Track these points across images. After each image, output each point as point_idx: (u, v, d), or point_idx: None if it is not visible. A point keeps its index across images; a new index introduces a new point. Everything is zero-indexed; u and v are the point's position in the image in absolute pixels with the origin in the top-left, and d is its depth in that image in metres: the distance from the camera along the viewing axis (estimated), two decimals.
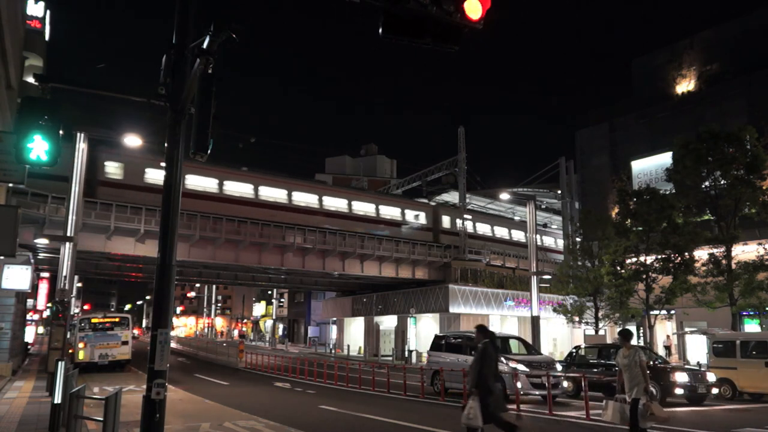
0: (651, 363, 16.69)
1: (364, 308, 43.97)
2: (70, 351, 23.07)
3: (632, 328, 32.17)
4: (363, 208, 38.19)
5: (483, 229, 44.95)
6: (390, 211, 39.59)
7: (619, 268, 25.01)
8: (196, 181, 30.61)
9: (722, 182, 23.15)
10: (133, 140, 16.58)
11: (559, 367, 16.92)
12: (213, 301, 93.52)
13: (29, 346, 38.27)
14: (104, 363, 24.56)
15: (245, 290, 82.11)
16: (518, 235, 47.06)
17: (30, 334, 42.66)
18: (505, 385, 10.11)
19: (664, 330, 31.41)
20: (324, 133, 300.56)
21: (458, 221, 42.02)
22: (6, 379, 19.89)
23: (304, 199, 35.32)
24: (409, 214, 40.43)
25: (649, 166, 34.75)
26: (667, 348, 29.69)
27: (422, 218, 40.88)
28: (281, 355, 31.12)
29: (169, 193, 6.67)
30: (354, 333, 46.99)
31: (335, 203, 36.78)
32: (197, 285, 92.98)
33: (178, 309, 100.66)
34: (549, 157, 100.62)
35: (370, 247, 34.80)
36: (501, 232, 46.91)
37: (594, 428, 11.53)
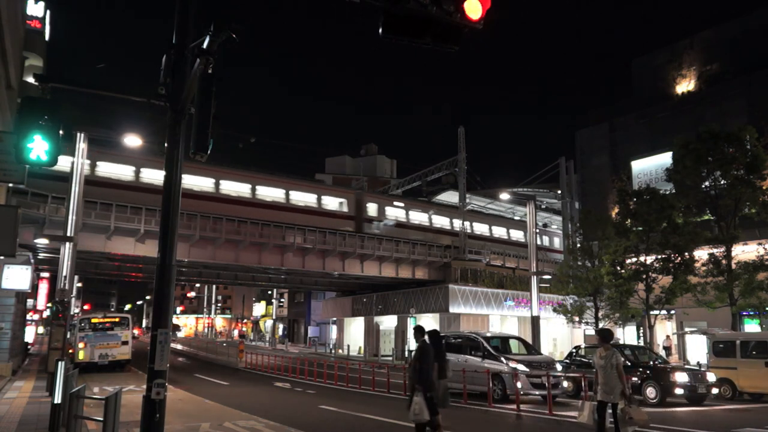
0: (651, 363, 16.73)
1: (364, 308, 43.96)
2: (70, 351, 23.08)
3: (632, 328, 32.19)
4: (269, 193, 34.49)
5: (481, 229, 44.84)
6: (303, 198, 35.86)
7: (619, 268, 24.98)
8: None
9: (722, 182, 23.13)
10: (133, 140, 16.59)
11: (559, 367, 16.92)
12: (213, 301, 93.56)
13: (29, 346, 38.27)
14: (104, 363, 24.56)
15: (245, 290, 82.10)
16: (516, 235, 47.04)
17: (30, 334, 42.67)
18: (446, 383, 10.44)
19: (664, 330, 31.40)
20: (324, 133, 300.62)
21: (387, 209, 39.62)
22: (6, 379, 19.89)
23: (198, 182, 31.73)
24: (330, 202, 37.12)
25: (649, 166, 34.75)
26: (667, 348, 29.65)
27: (344, 206, 37.79)
28: (281, 355, 31.11)
29: (169, 193, 6.68)
30: (354, 333, 46.98)
31: (236, 188, 32.96)
32: (197, 285, 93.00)
33: (178, 309, 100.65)
34: (549, 157, 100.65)
35: (370, 247, 34.79)
36: (499, 231, 46.88)
37: (594, 428, 11.51)
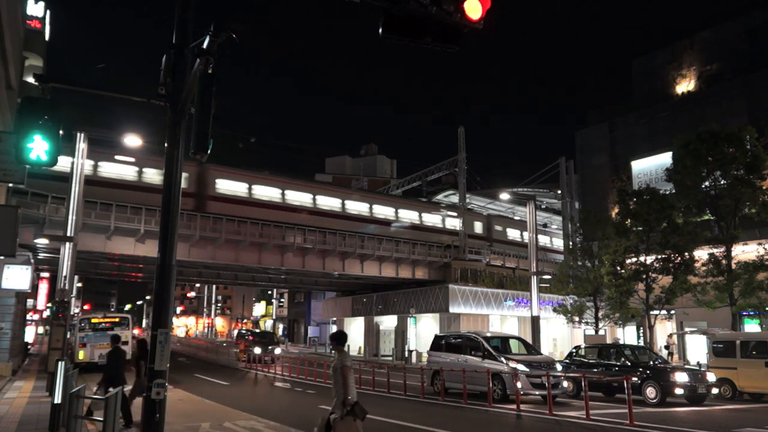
0: (651, 363, 16.71)
1: (364, 308, 43.95)
2: (70, 351, 23.05)
3: (632, 328, 32.13)
4: (409, 216, 38.39)
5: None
6: (432, 219, 40.02)
7: (619, 268, 24.98)
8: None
9: (722, 182, 23.12)
10: (132, 140, 16.59)
11: (559, 367, 16.91)
12: (213, 301, 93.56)
13: (29, 346, 38.24)
14: (104, 363, 24.51)
15: (245, 290, 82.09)
16: (514, 234, 47.07)
17: (30, 334, 42.63)
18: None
19: (664, 330, 31.37)
20: (324, 133, 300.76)
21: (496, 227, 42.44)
22: (6, 379, 19.87)
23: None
24: (450, 221, 40.50)
25: (649, 166, 34.74)
26: (668, 348, 29.50)
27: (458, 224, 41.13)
28: (281, 355, 31.08)
29: (169, 193, 6.68)
30: (354, 333, 46.88)
31: (384, 211, 36.22)
32: (197, 285, 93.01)
33: (178, 309, 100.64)
34: (549, 157, 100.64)
35: (370, 247, 34.75)
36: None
37: (594, 428, 11.53)
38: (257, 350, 29.81)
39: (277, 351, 31.35)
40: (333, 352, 6.69)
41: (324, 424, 6.19)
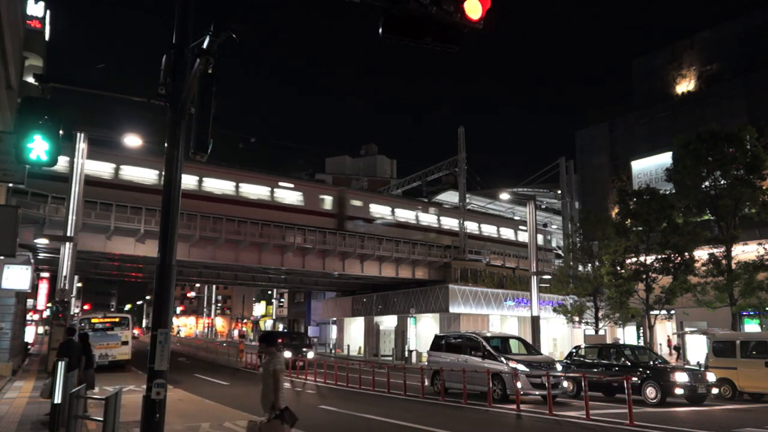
0: (651, 363, 16.70)
1: (364, 308, 43.96)
2: None
3: (632, 328, 32.13)
4: (219, 185, 31.89)
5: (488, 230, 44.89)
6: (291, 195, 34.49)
7: (619, 268, 25.01)
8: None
9: (722, 182, 23.15)
10: (133, 140, 16.59)
11: (559, 367, 16.92)
12: (213, 301, 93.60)
13: (29, 346, 38.24)
14: (104, 363, 24.52)
15: (245, 290, 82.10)
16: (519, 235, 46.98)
17: (30, 334, 42.62)
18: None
19: (664, 330, 31.35)
20: (324, 133, 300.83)
21: (372, 206, 38.31)
22: (6, 379, 19.86)
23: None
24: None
25: (649, 166, 34.77)
26: (677, 349, 29.32)
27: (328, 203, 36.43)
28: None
29: (169, 193, 6.68)
30: (354, 333, 46.95)
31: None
32: (197, 285, 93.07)
33: (178, 309, 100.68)
34: (549, 157, 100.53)
35: (370, 247, 34.75)
36: (502, 232, 46.88)
37: (594, 428, 11.53)
38: (287, 354, 25.65)
39: (310, 355, 28.18)
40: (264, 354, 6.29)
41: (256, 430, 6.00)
